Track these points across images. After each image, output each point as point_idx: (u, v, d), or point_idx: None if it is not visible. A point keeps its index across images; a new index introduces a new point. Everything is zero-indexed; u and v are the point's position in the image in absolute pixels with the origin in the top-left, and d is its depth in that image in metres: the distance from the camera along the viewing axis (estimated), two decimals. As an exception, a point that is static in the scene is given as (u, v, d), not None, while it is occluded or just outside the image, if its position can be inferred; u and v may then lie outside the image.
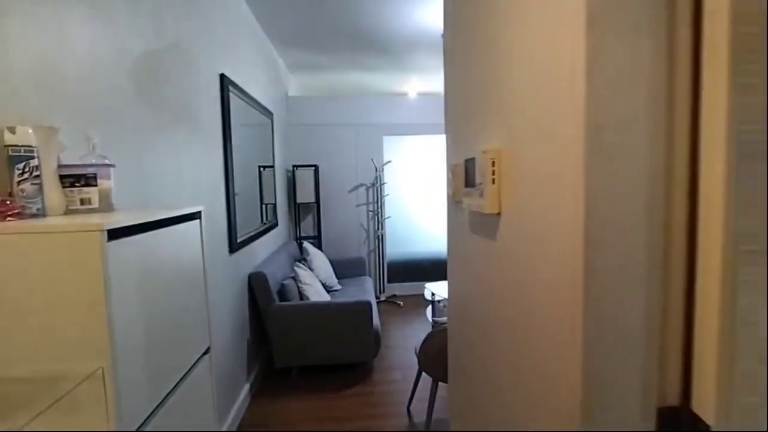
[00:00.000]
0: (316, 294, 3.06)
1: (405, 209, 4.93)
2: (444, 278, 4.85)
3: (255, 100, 3.11)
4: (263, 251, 3.30)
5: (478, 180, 0.88)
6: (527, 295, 0.70)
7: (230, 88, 2.43)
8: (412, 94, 4.97)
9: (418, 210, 4.96)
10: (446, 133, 1.35)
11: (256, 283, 2.82)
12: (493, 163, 0.80)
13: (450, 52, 1.30)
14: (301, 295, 3.02)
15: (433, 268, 5.00)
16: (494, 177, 0.81)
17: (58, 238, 0.75)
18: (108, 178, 1.10)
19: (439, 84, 5.33)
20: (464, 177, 0.99)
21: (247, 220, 2.95)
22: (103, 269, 0.76)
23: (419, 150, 4.91)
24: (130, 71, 1.46)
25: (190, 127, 1.94)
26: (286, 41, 3.80)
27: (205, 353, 1.33)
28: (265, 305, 2.83)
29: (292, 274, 3.18)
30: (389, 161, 4.72)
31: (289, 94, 4.71)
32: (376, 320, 2.96)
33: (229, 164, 2.41)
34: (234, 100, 2.54)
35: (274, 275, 3.01)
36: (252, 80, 3.09)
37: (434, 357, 2.05)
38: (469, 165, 0.94)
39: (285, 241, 4.22)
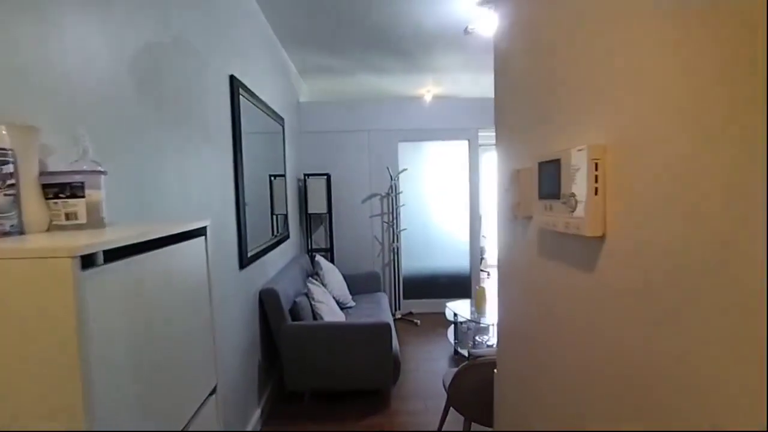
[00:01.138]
0: (331, 313, 2.87)
1: (421, 220, 4.73)
2: (464, 296, 4.63)
3: (266, 104, 2.96)
4: (274, 265, 3.12)
5: (565, 189, 0.68)
6: (663, 354, 0.50)
7: (240, 90, 2.28)
8: (429, 98, 4.81)
9: (435, 221, 4.76)
10: (498, 134, 1.16)
11: (267, 301, 2.63)
12: (596, 165, 0.61)
13: (504, 47, 1.11)
14: (315, 314, 2.82)
15: (451, 284, 4.78)
16: (597, 185, 0.61)
17: (17, 267, 0.57)
18: (98, 187, 0.93)
19: (457, 86, 5.17)
20: (538, 185, 0.79)
21: (258, 233, 2.77)
22: (75, 307, 0.57)
23: (437, 157, 4.73)
24: (129, 66, 1.30)
25: (197, 131, 1.78)
26: (296, 42, 3.67)
27: (211, 393, 1.14)
28: (276, 324, 2.64)
29: (305, 291, 3.00)
30: (405, 169, 4.55)
31: (300, 100, 4.57)
32: (395, 343, 2.74)
33: (240, 172, 2.25)
34: (244, 104, 2.39)
35: (286, 292, 2.83)
36: (263, 84, 2.94)
37: (469, 394, 1.83)
38: (548, 169, 0.75)
39: (296, 254, 4.04)
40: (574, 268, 0.71)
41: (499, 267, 1.18)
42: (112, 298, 0.69)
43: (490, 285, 5.58)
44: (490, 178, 7.07)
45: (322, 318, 2.79)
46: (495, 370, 1.56)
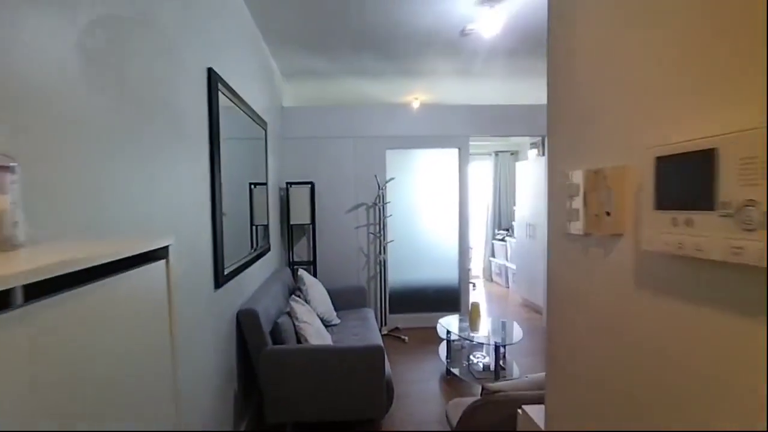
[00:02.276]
0: (316, 334, 2.56)
1: (409, 231, 4.48)
2: (453, 309, 4.39)
3: (248, 105, 2.66)
4: (254, 282, 2.79)
5: (729, 195, 0.44)
6: None
7: (219, 86, 1.98)
8: (418, 104, 4.60)
9: (423, 232, 4.52)
10: (552, 132, 0.92)
11: (245, 323, 2.30)
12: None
13: (565, 40, 0.88)
14: (299, 336, 2.50)
15: (440, 297, 4.53)
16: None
17: None
18: (3, 191, 0.63)
19: (447, 93, 4.99)
20: (654, 189, 0.55)
21: (237, 247, 2.45)
22: None
23: (425, 165, 4.51)
24: (79, 44, 1.00)
25: (167, 129, 1.47)
26: (282, 42, 3.39)
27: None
28: (255, 348, 2.31)
29: (288, 309, 2.67)
30: (392, 178, 4.30)
31: (284, 104, 4.28)
32: (387, 367, 2.46)
33: (217, 179, 1.94)
34: (224, 102, 2.09)
35: (267, 311, 2.50)
36: (245, 83, 2.65)
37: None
38: (680, 166, 0.50)
39: (278, 268, 3.71)
40: (737, 316, 0.46)
41: (550, 295, 0.93)
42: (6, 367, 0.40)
43: (475, 297, 5.37)
44: (480, 187, 6.86)
45: (306, 340, 2.48)
46: (519, 410, 1.31)
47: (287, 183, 4.02)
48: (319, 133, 4.26)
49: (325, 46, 3.50)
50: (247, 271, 2.60)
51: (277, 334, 2.40)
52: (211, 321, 1.91)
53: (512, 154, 7.10)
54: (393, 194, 4.37)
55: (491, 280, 7.00)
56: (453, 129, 4.38)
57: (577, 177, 0.77)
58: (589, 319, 0.76)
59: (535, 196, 5.01)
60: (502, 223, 7.05)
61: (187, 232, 1.60)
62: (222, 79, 2.03)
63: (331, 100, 5.09)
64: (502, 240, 6.63)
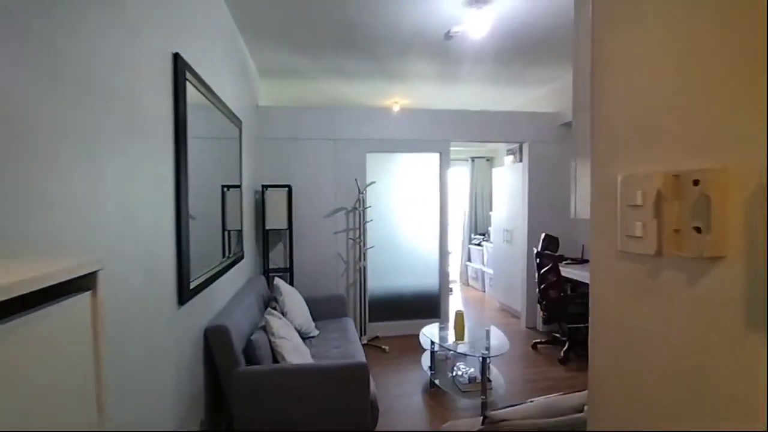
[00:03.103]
0: (294, 350, 2.31)
1: (389, 237, 4.29)
2: (433, 316, 4.21)
3: (221, 101, 2.40)
4: (225, 293, 2.52)
5: None
6: None
7: (187, 74, 1.73)
8: (399, 107, 4.43)
9: (403, 237, 4.34)
10: (598, 126, 0.74)
11: (215, 341, 2.04)
12: None
13: (610, 45, 0.70)
14: (275, 354, 2.25)
15: (420, 304, 4.36)
16: None
17: None
18: None
19: (427, 97, 4.85)
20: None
21: (207, 255, 2.19)
22: None
23: (406, 169, 4.33)
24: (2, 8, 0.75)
25: (120, 120, 1.22)
26: (259, 36, 3.14)
27: None
28: (226, 370, 2.05)
29: (262, 323, 2.42)
30: (373, 182, 4.10)
31: (260, 103, 4.00)
32: (372, 385, 2.24)
33: (183, 181, 1.68)
34: (193, 94, 1.83)
35: (239, 327, 2.24)
36: (217, 75, 2.39)
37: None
38: None
39: (252, 276, 3.43)
40: None
41: (594, 329, 0.75)
42: None
43: (453, 301, 5.23)
44: (456, 193, 6.75)
45: (284, 358, 2.23)
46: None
47: (263, 186, 3.75)
48: (297, 134, 4.01)
49: (305, 43, 3.28)
50: (218, 281, 2.33)
51: (250, 353, 2.15)
52: (174, 341, 1.65)
53: (488, 160, 7.05)
54: (373, 199, 4.17)
55: (468, 285, 6.90)
56: (434, 133, 4.23)
57: (646, 182, 0.59)
58: (665, 368, 0.59)
59: (512, 201, 4.93)
60: (478, 227, 6.98)
61: (143, 243, 1.34)
62: (191, 67, 1.77)
63: (309, 100, 4.85)
64: (479, 245, 6.55)
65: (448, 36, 3.07)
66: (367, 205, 4.09)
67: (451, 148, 4.40)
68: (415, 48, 3.35)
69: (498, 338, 3.05)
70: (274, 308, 2.87)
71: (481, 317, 5.03)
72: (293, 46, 3.33)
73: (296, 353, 2.31)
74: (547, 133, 4.44)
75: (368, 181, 4.09)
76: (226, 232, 2.73)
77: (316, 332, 3.14)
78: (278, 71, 3.95)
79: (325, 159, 4.06)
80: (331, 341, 2.99)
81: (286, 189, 3.78)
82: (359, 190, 4.03)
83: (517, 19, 2.82)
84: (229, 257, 2.76)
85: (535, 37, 3.12)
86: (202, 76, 2.01)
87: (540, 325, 4.41)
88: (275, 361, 2.25)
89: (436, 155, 4.30)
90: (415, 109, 4.30)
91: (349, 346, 2.87)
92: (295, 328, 2.86)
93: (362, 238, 4.06)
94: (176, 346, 1.67)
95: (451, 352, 2.96)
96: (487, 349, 2.84)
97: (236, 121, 2.89)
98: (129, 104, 1.27)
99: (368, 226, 4.12)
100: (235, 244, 2.95)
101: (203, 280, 2.05)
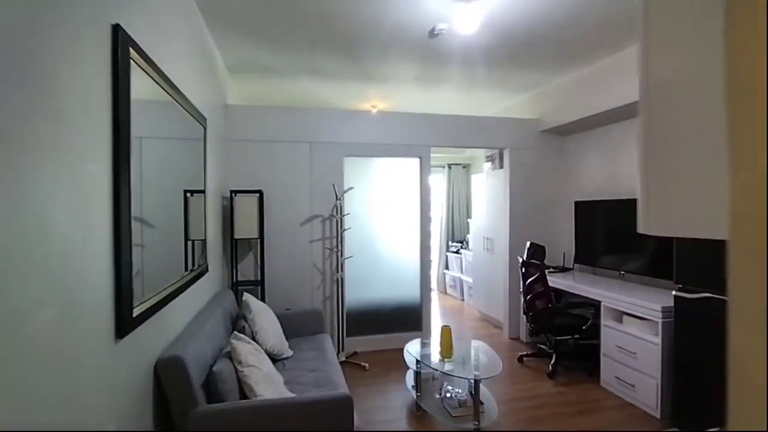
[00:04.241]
0: (265, 381, 1.96)
1: (367, 245, 3.98)
2: (414, 329, 3.92)
3: (181, 93, 2.04)
4: (184, 314, 2.14)
5: None
6: None
7: (133, 53, 1.38)
8: (377, 110, 4.16)
9: (382, 246, 4.05)
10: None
11: (167, 376, 1.66)
12: None
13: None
14: (242, 387, 1.90)
15: (400, 316, 4.07)
16: None
17: None
18: None
19: (406, 100, 4.61)
20: None
21: (165, 270, 1.83)
22: None
23: (385, 175, 4.05)
24: None
25: (31, 103, 0.87)
26: (227, 25, 2.78)
27: None
28: (181, 410, 1.68)
29: (228, 348, 2.05)
30: (351, 188, 3.80)
31: (228, 102, 3.63)
32: (355, 419, 1.92)
33: (124, 182, 1.32)
34: (142, 80, 1.48)
35: (200, 355, 1.87)
36: (177, 65, 2.03)
37: None
38: None
39: (219, 291, 3.03)
40: None
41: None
42: None
43: (432, 310, 4.97)
44: (434, 199, 6.57)
45: (252, 390, 1.88)
46: None
47: (231, 191, 3.37)
48: (270, 136, 3.65)
49: (277, 37, 2.95)
50: (176, 301, 1.95)
51: (213, 387, 1.78)
52: (110, 384, 1.28)
53: (464, 167, 6.90)
54: (351, 205, 3.87)
55: (446, 293, 6.68)
56: (414, 138, 3.99)
57: None
58: None
59: (493, 209, 4.75)
60: (456, 235, 6.80)
61: (56, 265, 0.99)
62: (138, 46, 1.42)
63: (283, 100, 4.50)
64: (457, 252, 6.35)
65: (432, 34, 2.83)
66: (345, 212, 3.78)
67: (439, 155, 4.17)
68: (396, 47, 3.09)
69: (488, 355, 2.80)
70: (243, 329, 2.50)
71: (461, 328, 4.79)
72: (264, 40, 3.00)
73: (267, 383, 1.96)
74: (528, 140, 4.29)
75: (346, 186, 3.79)
76: (188, 243, 2.36)
77: (289, 352, 2.78)
78: (249, 68, 3.60)
79: (300, 163, 3.72)
80: (307, 363, 2.64)
81: (257, 195, 3.41)
82: (336, 196, 3.72)
83: (506, 17, 2.62)
84: (193, 270, 2.39)
85: (524, 37, 2.93)
86: (156, 61, 1.65)
87: (524, 336, 4.21)
88: (243, 395, 1.89)
89: (416, 160, 4.06)
90: (395, 112, 4.05)
91: (327, 368, 2.54)
92: (267, 351, 2.50)
93: (340, 247, 3.74)
94: (114, 389, 1.30)
95: (439, 372, 2.67)
96: (478, 369, 2.58)
97: (200, 120, 2.52)
98: (41, 83, 0.92)
99: (346, 234, 3.80)
100: (199, 255, 2.58)
101: (156, 301, 1.68)
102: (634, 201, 3.20)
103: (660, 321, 2.67)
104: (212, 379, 1.79)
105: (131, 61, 1.35)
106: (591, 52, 3.25)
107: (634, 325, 2.90)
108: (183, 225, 2.28)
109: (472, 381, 2.44)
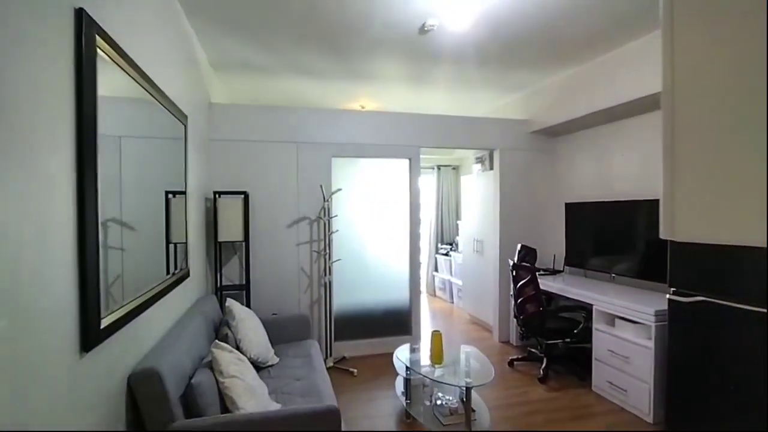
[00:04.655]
0: (248, 391, 1.85)
1: (356, 248, 3.89)
2: (403, 332, 3.83)
3: (158, 88, 1.93)
4: (163, 322, 2.02)
5: None
6: None
7: (100, 41, 1.27)
8: (368, 109, 4.08)
9: (371, 249, 3.95)
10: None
11: (142, 390, 1.55)
12: None
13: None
14: (224, 399, 1.79)
15: (389, 320, 3.98)
16: None
17: None
18: None
19: (395, 100, 4.54)
20: None
21: (142, 276, 1.72)
22: None
23: (374, 176, 3.97)
24: None
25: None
26: (209, 19, 2.67)
27: None
28: (158, 426, 1.56)
29: (209, 358, 1.94)
30: (339, 189, 3.70)
31: (212, 100, 3.50)
32: (344, 428, 1.83)
33: (89, 183, 1.21)
34: (112, 72, 1.37)
35: (178, 367, 1.76)
36: (154, 56, 1.91)
37: None
38: None
39: (202, 296, 2.90)
40: None
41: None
42: None
43: (421, 314, 4.90)
44: (423, 201, 6.50)
45: (234, 403, 1.77)
46: None
47: (215, 192, 3.24)
48: (256, 135, 3.54)
49: (262, 33, 2.85)
50: (153, 308, 1.83)
51: (192, 400, 1.67)
52: (75, 402, 1.17)
53: (454, 168, 6.86)
54: (339, 207, 3.77)
55: (434, 295, 6.62)
56: (404, 138, 3.91)
57: None
58: None
59: (483, 211, 4.71)
60: (445, 237, 6.74)
61: (5, 273, 0.87)
62: (106, 34, 1.31)
63: (269, 99, 4.39)
64: (446, 254, 6.30)
65: (423, 30, 2.76)
66: (333, 214, 3.68)
67: (429, 156, 4.10)
68: (385, 44, 3.02)
69: (479, 361, 2.73)
70: (226, 336, 2.38)
71: (451, 331, 4.73)
72: (249, 35, 2.89)
73: (250, 395, 1.85)
74: (519, 141, 4.26)
75: (334, 188, 3.69)
76: (170, 247, 2.24)
77: (275, 360, 2.67)
78: (234, 65, 3.48)
79: (287, 163, 3.62)
80: (293, 370, 2.54)
81: (242, 196, 3.29)
82: (324, 197, 3.62)
83: (498, 13, 2.56)
84: (174, 274, 2.27)
85: (516, 35, 2.88)
86: (129, 53, 1.54)
87: (514, 340, 4.17)
88: (224, 408, 1.78)
89: (406, 161, 3.98)
90: (384, 112, 3.97)
91: (313, 376, 2.44)
92: (251, 359, 2.39)
93: (327, 250, 3.64)
94: (80, 408, 1.18)
95: (429, 379, 2.59)
96: (469, 375, 2.51)
97: (180, 118, 2.41)
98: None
99: (334, 237, 3.70)
100: (182, 259, 2.46)
101: (131, 309, 1.57)
102: (624, 203, 3.18)
103: (653, 325, 2.64)
104: (191, 392, 1.68)
105: (98, 50, 1.24)
106: (582, 52, 3.23)
107: (626, 329, 2.86)
108: (164, 227, 2.17)
109: (464, 388, 2.36)
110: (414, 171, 3.98)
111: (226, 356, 1.89)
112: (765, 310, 2.00)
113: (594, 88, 3.38)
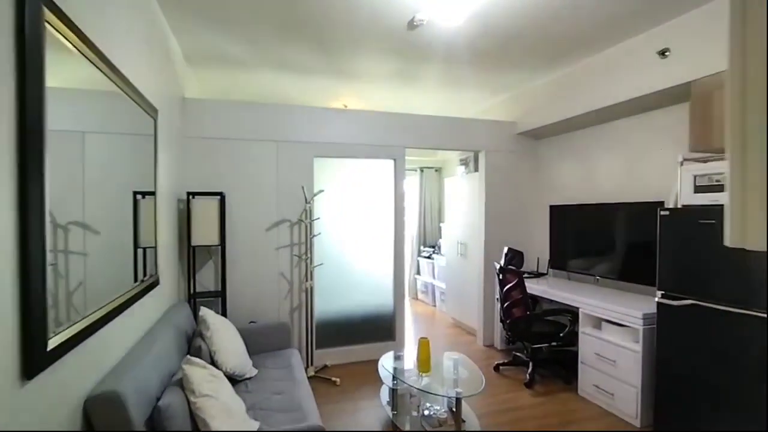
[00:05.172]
0: (223, 412, 1.69)
1: (338, 252, 3.75)
2: (387, 338, 3.70)
3: (125, 78, 1.74)
4: (127, 336, 1.82)
5: None
6: None
7: (48, 14, 1.09)
8: (351, 108, 3.95)
9: (353, 252, 3.82)
10: None
11: (100, 417, 1.37)
12: None
13: None
14: (196, 422, 1.62)
15: (369, 325, 3.85)
16: None
17: None
18: None
19: (379, 99, 4.43)
20: None
21: (104, 285, 1.54)
22: None
23: (358, 177, 3.83)
24: None
25: None
26: (184, 9, 2.49)
27: None
28: (118, 455, 1.38)
29: (180, 375, 1.76)
30: (321, 190, 3.55)
31: (186, 95, 3.30)
32: (329, 450, 1.69)
33: (34, 184, 1.04)
34: (67, 57, 1.20)
35: (143, 387, 1.58)
36: (121, 43, 1.73)
37: None
38: None
39: (174, 304, 2.69)
40: None
41: None
42: None
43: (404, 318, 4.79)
44: (407, 203, 6.39)
45: (208, 426, 1.60)
46: None
47: (189, 193, 3.04)
48: (234, 133, 3.35)
49: (241, 25, 2.68)
50: (115, 321, 1.65)
51: (159, 424, 1.50)
52: (16, 441, 0.99)
53: (437, 170, 6.80)
54: (321, 209, 3.62)
55: (417, 299, 6.53)
56: (389, 138, 3.80)
57: None
58: None
59: (467, 213, 4.65)
60: (427, 239, 6.67)
61: None
62: (59, 9, 1.14)
63: (247, 95, 4.19)
64: (429, 257, 6.22)
65: (411, 24, 2.65)
66: (315, 216, 3.53)
67: (414, 158, 4.00)
68: (371, 38, 2.90)
69: (468, 368, 2.64)
70: (199, 348, 2.20)
71: (433, 334, 4.64)
72: (226, 27, 2.72)
73: (226, 415, 1.69)
74: (505, 143, 4.22)
75: (316, 189, 3.54)
76: (140, 251, 2.06)
77: (253, 372, 2.51)
78: (210, 58, 3.29)
79: (266, 163, 3.44)
80: (272, 383, 2.38)
81: (218, 197, 3.10)
82: (306, 199, 3.46)
83: (489, 9, 2.48)
84: (143, 281, 2.09)
85: (506, 34, 2.81)
86: (92, 37, 1.37)
87: (498, 344, 4.11)
88: (197, 431, 1.61)
89: (391, 162, 3.87)
90: (369, 111, 3.84)
91: (294, 389, 2.29)
92: (228, 373, 2.21)
93: (309, 254, 3.48)
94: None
95: (416, 389, 2.48)
96: (458, 384, 2.42)
97: (151, 112, 2.21)
98: None
99: (315, 240, 3.55)
100: (151, 265, 2.26)
101: (89, 323, 1.39)
102: (608, 205, 3.13)
103: (641, 328, 2.62)
104: (158, 415, 1.51)
105: (48, 26, 1.07)
106: (569, 54, 3.20)
107: (613, 332, 2.84)
108: (132, 231, 1.99)
109: (455, 399, 2.26)
110: (399, 172, 3.88)
111: (198, 373, 1.72)
112: (761, 314, 1.98)
113: (578, 91, 3.36)
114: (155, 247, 2.34)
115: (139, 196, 2.10)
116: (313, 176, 3.56)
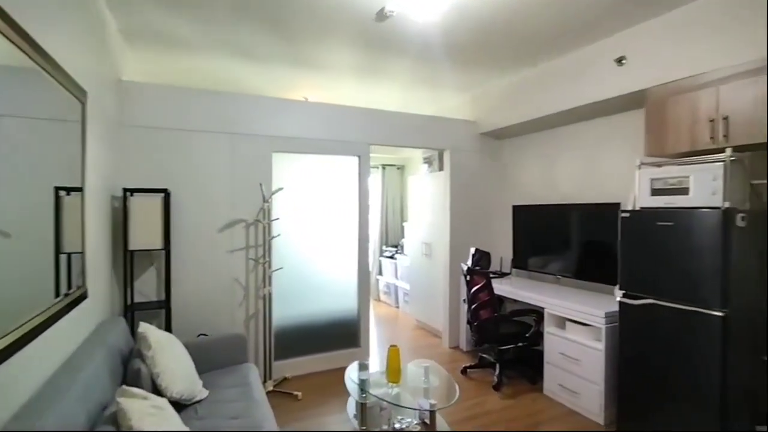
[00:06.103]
0: (170, 449, 1.44)
1: (297, 255, 3.51)
2: (351, 345, 3.50)
3: (44, 53, 1.43)
4: (45, 363, 1.51)
5: None
6: None
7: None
8: (312, 100, 3.73)
9: (314, 254, 3.60)
10: None
11: (3, 474, 1.08)
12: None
13: None
14: (134, 464, 1.36)
15: (332, 332, 3.65)
16: None
17: None
18: None
19: (345, 92, 4.24)
20: None
21: (13, 305, 1.24)
22: None
23: (321, 174, 3.62)
24: None
25: None
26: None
27: None
28: None
29: (114, 409, 1.48)
30: (280, 188, 3.30)
31: (123, 78, 2.91)
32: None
33: None
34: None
35: (68, 425, 1.29)
36: (40, 13, 1.42)
37: None
38: None
39: (102, 321, 2.34)
40: None
41: None
42: None
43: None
44: (374, 201, 6.17)
45: (150, 468, 1.35)
46: None
47: (126, 190, 2.67)
48: (181, 123, 3.01)
49: (192, 4, 2.38)
50: (29, 347, 1.34)
51: (84, 475, 1.23)
52: None
53: (399, 168, 6.71)
54: (280, 209, 3.37)
55: (379, 300, 6.40)
56: (353, 134, 3.62)
57: None
58: None
59: (431, 213, 4.58)
60: (390, 239, 6.57)
61: None
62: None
63: (198, 81, 3.81)
64: (391, 257, 6.12)
65: (381, 16, 2.50)
66: (274, 216, 3.27)
67: (379, 155, 3.85)
68: (336, 27, 2.70)
69: (439, 376, 2.54)
70: (138, 372, 1.90)
71: (398, 338, 4.53)
72: (174, 4, 2.40)
73: (172, 453, 1.44)
74: (469, 142, 4.19)
75: (275, 186, 3.28)
76: (63, 257, 1.74)
77: (203, 393, 2.23)
78: (152, 36, 2.92)
79: (219, 158, 3.13)
80: (227, 405, 2.13)
81: (162, 195, 2.76)
82: (264, 197, 3.19)
83: (468, 4, 2.38)
84: (68, 294, 1.76)
85: (483, 29, 2.73)
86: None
87: (464, 345, 4.08)
88: (134, 476, 1.35)
89: (355, 159, 3.69)
90: (332, 105, 3.63)
91: (253, 411, 2.05)
92: (173, 399, 1.94)
93: (267, 257, 3.22)
94: None
95: (386, 402, 2.33)
96: (430, 394, 2.30)
97: (78, 93, 1.88)
98: None
99: (274, 242, 3.29)
100: (77, 274, 1.93)
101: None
102: (568, 206, 3.15)
103: (604, 327, 2.66)
104: (84, 462, 1.24)
105: None
106: (533, 55, 3.20)
107: (577, 332, 2.87)
108: (54, 233, 1.66)
109: (428, 412, 2.15)
110: (363, 170, 3.71)
111: (137, 406, 1.45)
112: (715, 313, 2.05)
113: (540, 93, 3.38)
114: (83, 253, 2.00)
115: (62, 193, 1.78)
116: (272, 173, 3.29)
